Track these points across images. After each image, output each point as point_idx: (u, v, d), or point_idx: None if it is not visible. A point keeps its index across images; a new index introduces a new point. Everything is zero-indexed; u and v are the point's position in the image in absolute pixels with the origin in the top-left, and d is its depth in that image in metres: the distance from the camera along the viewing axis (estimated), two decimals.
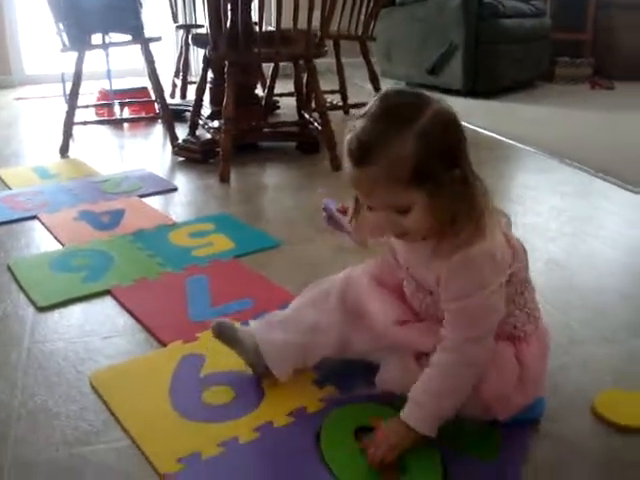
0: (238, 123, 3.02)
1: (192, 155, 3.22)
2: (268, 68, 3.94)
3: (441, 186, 1.11)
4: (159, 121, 3.98)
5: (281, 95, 4.16)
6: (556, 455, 1.22)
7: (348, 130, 1.15)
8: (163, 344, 1.60)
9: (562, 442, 1.26)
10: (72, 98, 3.35)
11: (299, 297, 1.49)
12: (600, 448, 1.24)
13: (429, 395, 1.20)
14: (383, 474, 1.18)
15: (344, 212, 1.42)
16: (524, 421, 1.29)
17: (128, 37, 3.47)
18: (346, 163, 1.15)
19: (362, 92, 4.57)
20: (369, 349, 1.37)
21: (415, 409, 1.21)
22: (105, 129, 3.97)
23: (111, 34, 3.48)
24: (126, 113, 4.12)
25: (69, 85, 3.39)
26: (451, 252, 1.15)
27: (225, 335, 1.43)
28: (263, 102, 3.68)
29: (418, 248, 1.24)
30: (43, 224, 2.42)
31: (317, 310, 1.42)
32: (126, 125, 4.06)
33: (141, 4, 3.48)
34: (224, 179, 2.90)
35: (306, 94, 3.66)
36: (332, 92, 4.24)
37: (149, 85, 3.66)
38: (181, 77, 4.49)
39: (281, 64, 4.03)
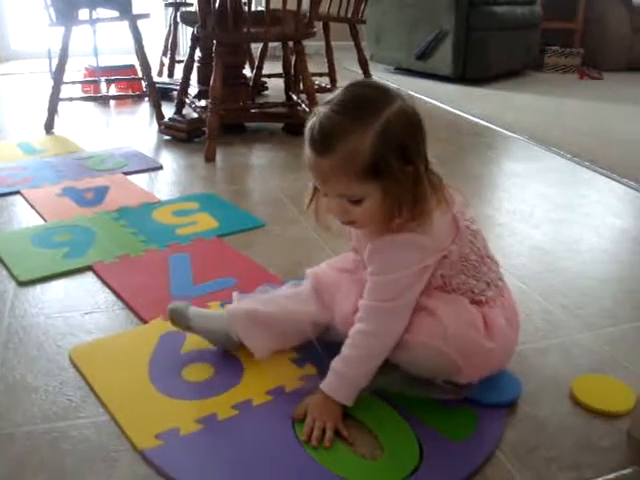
0: (225, 103, 3.00)
1: (178, 134, 3.21)
2: (257, 50, 3.92)
3: (394, 181, 1.15)
4: (146, 99, 3.96)
5: (269, 76, 4.15)
6: (532, 438, 1.23)
7: (312, 115, 1.18)
8: (144, 321, 1.60)
9: (539, 425, 1.26)
10: (58, 74, 3.32)
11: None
12: (577, 432, 1.25)
13: (344, 364, 1.25)
14: (359, 453, 1.19)
15: None
16: (501, 404, 1.30)
17: (116, 13, 3.44)
18: (306, 148, 1.18)
19: (351, 75, 4.56)
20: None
21: (332, 377, 1.26)
22: (91, 106, 3.94)
23: (99, 10, 3.45)
24: (113, 90, 4.10)
25: (55, 61, 3.36)
26: (380, 234, 1.21)
27: (180, 324, 1.45)
28: (251, 82, 3.66)
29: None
30: (26, 199, 2.41)
31: (291, 299, 1.45)
32: (112, 102, 4.04)
33: None
34: (210, 158, 2.89)
35: (294, 76, 3.64)
36: (320, 75, 4.22)
37: (136, 63, 3.63)
38: (169, 55, 4.46)
39: (270, 45, 4.02)
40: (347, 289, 1.37)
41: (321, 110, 1.16)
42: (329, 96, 1.18)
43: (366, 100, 1.16)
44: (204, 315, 1.45)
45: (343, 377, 1.25)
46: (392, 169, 1.14)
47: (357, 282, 1.36)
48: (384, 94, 1.16)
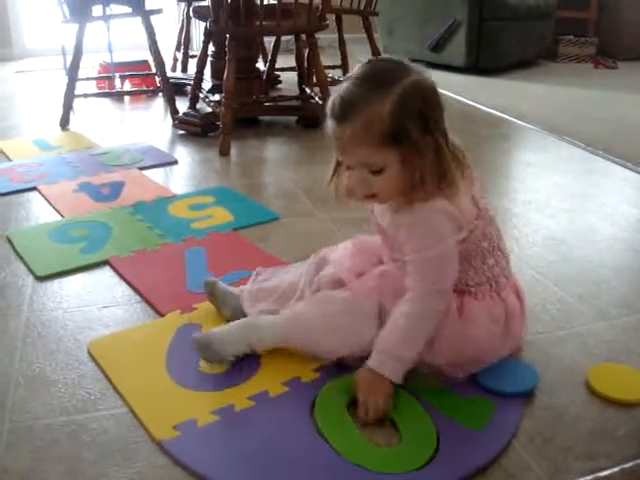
0: (239, 97, 3.01)
1: (192, 128, 3.22)
2: (270, 43, 3.92)
3: (414, 149, 1.18)
4: (160, 94, 3.97)
5: (282, 70, 4.15)
6: (549, 427, 1.23)
7: (334, 92, 1.23)
8: (161, 314, 1.61)
9: (555, 414, 1.27)
10: (72, 70, 3.33)
11: None
12: (593, 421, 1.25)
13: (392, 343, 1.27)
14: (375, 441, 1.19)
15: None
16: (517, 394, 1.30)
17: (128, 9, 3.45)
18: (328, 120, 1.23)
19: None
20: None
21: (383, 357, 1.27)
22: (106, 102, 3.96)
23: (112, 6, 3.46)
24: (127, 86, 4.11)
25: (70, 58, 3.38)
26: (408, 205, 1.24)
27: (215, 295, 1.57)
28: (264, 76, 3.66)
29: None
30: (43, 195, 2.42)
31: (293, 272, 1.57)
32: (127, 98, 4.05)
33: None
34: (224, 152, 2.90)
35: (307, 69, 3.64)
36: (333, 67, 4.21)
37: (150, 58, 3.64)
38: (182, 50, 4.47)
39: (283, 39, 4.01)
40: (348, 255, 1.47)
41: (342, 84, 1.22)
42: (347, 74, 1.25)
43: (384, 72, 1.21)
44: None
45: (394, 357, 1.27)
46: (411, 137, 1.17)
47: (361, 252, 1.46)
48: (402, 67, 1.21)
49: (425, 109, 1.19)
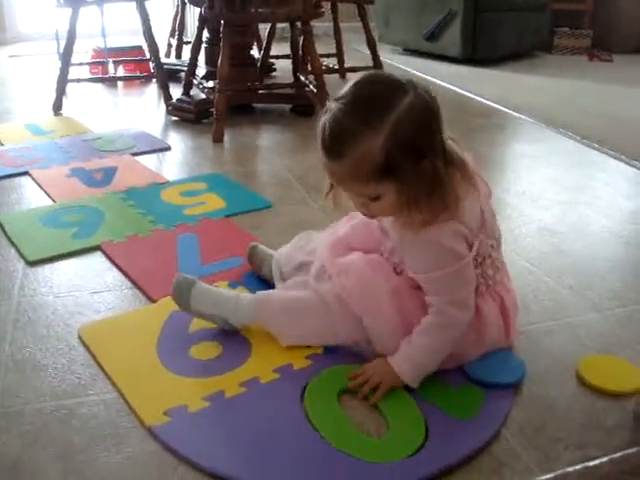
0: (233, 83, 3.00)
1: (186, 115, 3.20)
2: (264, 30, 3.90)
3: (409, 178, 1.14)
4: (153, 80, 3.95)
5: (277, 57, 4.13)
6: (539, 417, 1.24)
7: (324, 111, 1.18)
8: (152, 300, 1.61)
9: (546, 405, 1.27)
10: (66, 55, 3.31)
11: None
12: (583, 411, 1.25)
13: (415, 349, 1.27)
14: (365, 430, 1.19)
15: None
16: (501, 385, 1.30)
17: None
18: (319, 150, 1.19)
19: (359, 56, 4.54)
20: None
21: (403, 358, 1.27)
22: (99, 87, 3.94)
23: None
24: (120, 72, 4.08)
25: (63, 42, 3.35)
26: (419, 226, 1.20)
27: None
28: (259, 63, 3.65)
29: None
30: (34, 180, 2.41)
31: None
32: (120, 84, 4.03)
33: None
34: (217, 139, 2.89)
35: (302, 57, 3.62)
36: (328, 56, 4.20)
37: (144, 44, 3.62)
38: (176, 36, 4.44)
39: (278, 26, 4.00)
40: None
41: (332, 108, 1.15)
42: (341, 90, 1.18)
43: (376, 100, 1.14)
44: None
45: (414, 362, 1.27)
46: (404, 169, 1.13)
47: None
48: (395, 90, 1.14)
49: (420, 137, 1.14)
